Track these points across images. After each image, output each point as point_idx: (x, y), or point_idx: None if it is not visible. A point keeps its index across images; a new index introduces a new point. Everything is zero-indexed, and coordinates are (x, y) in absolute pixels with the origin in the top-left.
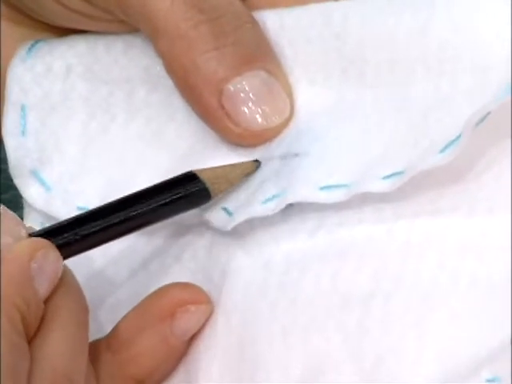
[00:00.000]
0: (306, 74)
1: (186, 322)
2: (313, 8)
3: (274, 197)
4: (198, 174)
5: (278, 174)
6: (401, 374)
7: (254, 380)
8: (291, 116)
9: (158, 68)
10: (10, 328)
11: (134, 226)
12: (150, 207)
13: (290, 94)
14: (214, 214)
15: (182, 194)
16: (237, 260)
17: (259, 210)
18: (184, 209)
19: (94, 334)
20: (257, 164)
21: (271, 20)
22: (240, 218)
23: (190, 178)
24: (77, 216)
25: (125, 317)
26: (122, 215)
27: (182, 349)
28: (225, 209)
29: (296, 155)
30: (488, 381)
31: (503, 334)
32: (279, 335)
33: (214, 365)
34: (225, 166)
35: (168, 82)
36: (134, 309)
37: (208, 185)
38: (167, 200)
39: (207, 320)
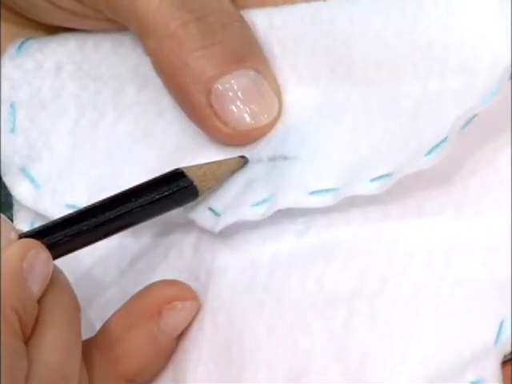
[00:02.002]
0: (295, 73)
1: (173, 319)
2: (301, 7)
3: (263, 201)
4: (186, 172)
5: (267, 176)
6: (385, 375)
7: (241, 380)
8: (279, 115)
9: (147, 66)
10: (7, 330)
11: (123, 224)
12: (139, 206)
13: (278, 93)
14: (200, 214)
15: (169, 192)
16: (223, 258)
17: (248, 213)
18: (172, 206)
19: (84, 332)
20: (244, 160)
21: (260, 19)
22: (228, 220)
23: (177, 175)
24: (65, 216)
25: (112, 316)
26: (110, 214)
27: (171, 347)
28: (211, 209)
29: (285, 158)
30: (472, 382)
31: (487, 336)
32: (265, 334)
33: (201, 364)
34: (211, 162)
35: (157, 81)
36: (122, 308)
37: (196, 182)
38: (155, 198)
39: (194, 319)
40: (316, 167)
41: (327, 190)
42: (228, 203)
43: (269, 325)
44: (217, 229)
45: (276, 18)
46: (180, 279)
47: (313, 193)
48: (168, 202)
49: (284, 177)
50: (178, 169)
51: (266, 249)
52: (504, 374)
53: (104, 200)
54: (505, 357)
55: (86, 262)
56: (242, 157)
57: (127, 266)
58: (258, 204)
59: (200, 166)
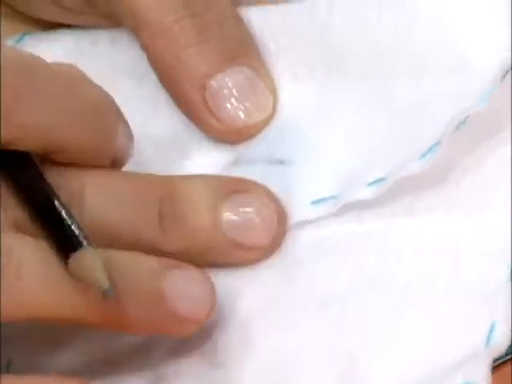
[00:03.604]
0: (290, 70)
1: None
2: (298, 4)
3: None
4: None
5: (263, 182)
6: (374, 376)
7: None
8: (274, 113)
9: (143, 63)
10: None
11: None
12: None
13: (273, 91)
14: None
15: None
16: None
17: None
18: None
19: None
20: None
21: (256, 16)
22: None
23: None
24: None
25: None
26: None
27: None
28: None
29: (281, 162)
30: None
31: (477, 339)
32: (255, 335)
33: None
34: None
35: (153, 77)
36: None
37: None
38: None
39: None
40: (314, 173)
41: (327, 199)
42: None
43: (259, 325)
44: None
45: (272, 15)
46: None
47: (314, 203)
48: None
49: (283, 184)
50: None
51: None
52: (504, 374)
53: None
54: (505, 357)
55: None
56: None
57: None
58: None
59: None
